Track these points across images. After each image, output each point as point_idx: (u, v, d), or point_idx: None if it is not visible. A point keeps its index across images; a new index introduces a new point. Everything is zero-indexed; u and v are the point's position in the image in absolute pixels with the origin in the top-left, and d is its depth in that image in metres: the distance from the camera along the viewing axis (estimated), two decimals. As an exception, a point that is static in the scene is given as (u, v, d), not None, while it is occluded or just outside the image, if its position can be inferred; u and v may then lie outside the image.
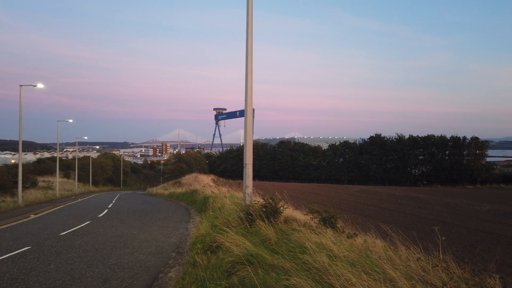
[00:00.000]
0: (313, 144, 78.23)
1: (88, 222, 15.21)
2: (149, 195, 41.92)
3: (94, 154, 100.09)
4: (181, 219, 16.11)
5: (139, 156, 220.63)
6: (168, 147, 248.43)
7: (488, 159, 70.01)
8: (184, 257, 8.50)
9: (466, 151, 64.40)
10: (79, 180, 58.44)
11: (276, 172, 74.11)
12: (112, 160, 78.74)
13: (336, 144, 73.45)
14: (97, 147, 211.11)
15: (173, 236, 11.56)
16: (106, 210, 20.60)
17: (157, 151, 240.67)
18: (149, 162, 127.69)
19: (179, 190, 33.00)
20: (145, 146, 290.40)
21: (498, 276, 4.89)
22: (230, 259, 5.68)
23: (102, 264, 8.06)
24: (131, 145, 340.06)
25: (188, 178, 38.93)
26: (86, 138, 71.12)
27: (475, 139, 64.53)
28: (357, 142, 74.36)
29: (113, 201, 28.66)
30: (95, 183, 66.38)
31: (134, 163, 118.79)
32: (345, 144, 72.42)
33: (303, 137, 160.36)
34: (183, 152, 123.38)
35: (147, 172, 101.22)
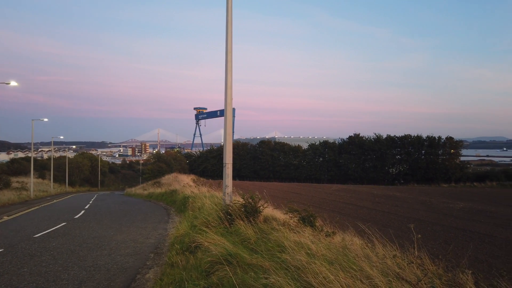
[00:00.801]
0: (293, 143, 78.72)
1: (63, 224, 14.84)
2: (128, 195, 41.26)
3: (70, 154, 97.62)
4: (160, 219, 15.92)
5: (117, 156, 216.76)
6: (147, 147, 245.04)
7: (462, 159, 72.15)
8: (163, 257, 8.41)
9: (441, 151, 66.17)
10: (55, 181, 56.94)
11: (257, 171, 74.22)
12: (89, 160, 77.06)
13: (316, 143, 74.16)
14: (74, 146, 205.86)
15: (152, 237, 11.42)
16: (82, 211, 20.15)
17: (136, 151, 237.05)
18: (127, 162, 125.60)
19: (158, 190, 32.60)
20: (123, 146, 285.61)
21: (470, 271, 5.05)
22: (209, 259, 5.65)
23: (77, 266, 7.88)
24: (109, 145, 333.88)
25: (167, 178, 38.49)
26: (62, 137, 69.23)
27: (449, 139, 66.38)
28: (337, 142, 75.30)
29: (90, 202, 28.06)
30: (71, 184, 64.85)
31: (112, 163, 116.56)
32: (325, 144, 73.20)
33: (284, 137, 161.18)
34: (163, 152, 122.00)
35: (126, 172, 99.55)
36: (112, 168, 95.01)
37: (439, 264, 5.43)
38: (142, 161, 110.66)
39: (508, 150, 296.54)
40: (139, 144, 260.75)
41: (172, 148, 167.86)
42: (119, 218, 16.40)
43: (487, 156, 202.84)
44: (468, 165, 71.61)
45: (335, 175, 68.69)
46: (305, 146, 76.10)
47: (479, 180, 57.47)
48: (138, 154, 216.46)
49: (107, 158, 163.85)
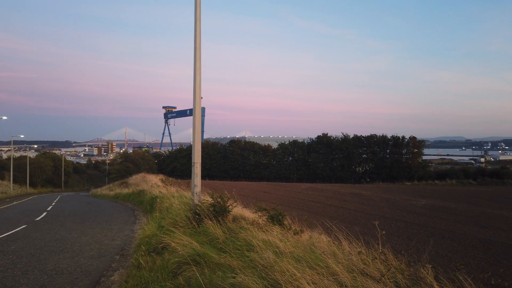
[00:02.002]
0: (263, 143, 79.12)
1: (24, 226, 14.18)
2: (93, 196, 40.01)
3: (32, 154, 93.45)
4: (126, 220, 15.56)
5: (82, 155, 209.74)
6: (114, 146, 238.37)
7: (424, 158, 75.17)
8: (129, 259, 8.22)
9: (405, 150, 68.59)
10: (14, 182, 54.32)
11: (227, 171, 74.03)
12: (52, 160, 74.03)
13: (286, 143, 74.90)
14: (36, 146, 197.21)
15: (118, 238, 11.13)
16: (44, 213, 19.34)
17: (102, 151, 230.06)
18: (93, 161, 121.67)
19: (125, 190, 31.83)
20: (89, 145, 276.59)
21: (430, 266, 5.26)
22: (176, 259, 5.58)
23: (38, 270, 7.56)
24: (74, 144, 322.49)
25: (135, 178, 37.63)
26: (22, 136, 66.25)
27: (412, 139, 68.92)
28: (306, 142, 76.36)
29: (53, 203, 26.98)
30: (33, 185, 62.09)
31: (77, 163, 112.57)
32: (294, 143, 74.07)
33: (254, 136, 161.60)
34: (131, 151, 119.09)
35: (91, 173, 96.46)
36: (76, 168, 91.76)
37: (402, 259, 5.62)
38: (108, 161, 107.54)
39: (467, 149, 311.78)
40: (105, 143, 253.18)
41: (140, 147, 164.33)
42: (84, 220, 15.88)
43: (448, 155, 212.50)
44: (430, 164, 74.79)
45: (304, 174, 69.65)
46: (275, 145, 76.66)
47: (440, 178, 60.10)
48: (105, 153, 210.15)
49: (72, 158, 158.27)
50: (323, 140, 71.01)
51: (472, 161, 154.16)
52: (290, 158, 72.82)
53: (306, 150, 71.91)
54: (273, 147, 75.93)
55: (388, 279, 4.71)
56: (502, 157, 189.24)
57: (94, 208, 22.21)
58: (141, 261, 6.46)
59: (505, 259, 10.80)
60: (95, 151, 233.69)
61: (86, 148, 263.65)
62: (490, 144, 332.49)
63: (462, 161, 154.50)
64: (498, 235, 14.26)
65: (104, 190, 41.82)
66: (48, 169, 69.65)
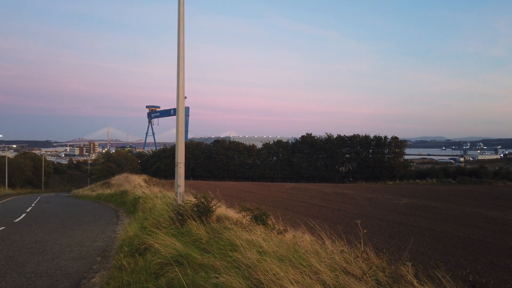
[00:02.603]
0: (248, 143, 79.08)
1: (2, 228, 13.81)
2: (74, 197, 39.27)
3: (10, 154, 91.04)
4: (108, 221, 15.33)
5: (63, 155, 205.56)
6: (96, 146, 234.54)
7: (405, 157, 76.55)
8: (110, 261, 8.10)
9: (387, 150, 69.67)
10: (-8, 182, 52.86)
11: (211, 171, 73.74)
12: (32, 160, 72.27)
13: (270, 143, 75.08)
14: (14, 146, 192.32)
15: (99, 240, 10.96)
16: (23, 214, 18.87)
17: (84, 150, 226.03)
18: (74, 162, 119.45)
19: (107, 191, 31.35)
20: (70, 145, 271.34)
21: (410, 264, 5.36)
22: (158, 260, 5.53)
23: (16, 273, 7.38)
24: (55, 144, 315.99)
25: (118, 179, 37.10)
26: (0, 136, 64.40)
27: (394, 139, 70.06)
28: (290, 141, 76.74)
29: (33, 205, 26.35)
30: (11, 185, 60.48)
31: (58, 163, 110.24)
32: (279, 143, 74.31)
33: (239, 136, 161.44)
34: (113, 151, 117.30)
35: (73, 173, 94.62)
36: (57, 169, 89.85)
37: (383, 258, 5.71)
38: (90, 161, 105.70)
39: (447, 149, 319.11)
40: (87, 143, 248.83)
41: (123, 147, 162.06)
42: (64, 221, 15.57)
43: (428, 155, 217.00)
44: (411, 164, 76.21)
45: (288, 173, 69.96)
46: (259, 145, 76.75)
47: (421, 178, 61.30)
48: (86, 153, 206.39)
49: (52, 158, 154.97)
50: (307, 140, 71.49)
51: (452, 160, 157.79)
52: (275, 158, 73.05)
53: (291, 150, 72.26)
54: (257, 147, 76.02)
55: (370, 277, 4.78)
56: (480, 157, 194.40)
57: (75, 209, 21.80)
58: (123, 263, 6.38)
59: (483, 256, 11.09)
60: (77, 151, 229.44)
61: (67, 148, 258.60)
62: (469, 144, 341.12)
63: (442, 160, 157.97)
64: (476, 233, 14.62)
65: (85, 191, 41.11)
66: (28, 170, 68.00)
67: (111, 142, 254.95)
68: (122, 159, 71.48)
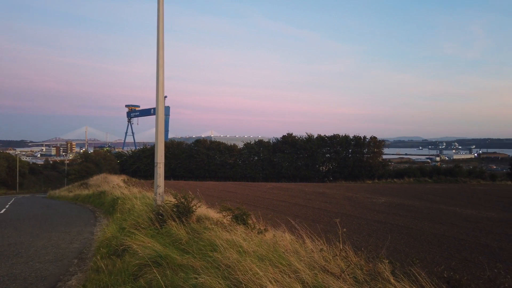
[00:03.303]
0: (229, 143, 78.92)
1: (-28, 231, 13.33)
2: (51, 198, 38.28)
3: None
4: (86, 222, 15.01)
5: (39, 155, 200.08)
6: (73, 146, 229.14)
7: (384, 157, 78.07)
8: (88, 263, 7.94)
9: (366, 150, 70.85)
10: (-37, 184, 50.95)
11: (192, 171, 73.24)
12: (5, 160, 70.09)
13: (251, 143, 75.17)
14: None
15: (76, 242, 10.72)
16: (-4, 217, 18.27)
17: (61, 150, 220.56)
18: (51, 162, 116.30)
19: (85, 192, 30.71)
20: (46, 145, 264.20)
21: (387, 261, 5.48)
22: (137, 261, 5.46)
23: (-12, 277, 7.13)
24: (30, 144, 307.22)
25: (96, 179, 36.44)
26: (-28, 135, 62.26)
27: (373, 139, 71.31)
28: (271, 141, 77.02)
29: (7, 206, 25.53)
30: (-17, 187, 58.51)
31: (33, 163, 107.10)
32: (260, 143, 74.47)
33: (220, 136, 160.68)
34: (91, 151, 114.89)
35: (49, 173, 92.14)
36: (33, 169, 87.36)
37: (361, 256, 5.81)
38: (67, 161, 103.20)
39: (424, 149, 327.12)
40: (64, 143, 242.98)
41: (102, 147, 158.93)
42: (40, 223, 15.16)
43: (406, 154, 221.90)
44: (390, 163, 77.83)
45: (269, 173, 70.20)
46: (240, 145, 76.71)
47: (398, 177, 62.60)
48: (63, 153, 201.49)
49: (28, 158, 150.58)
50: (288, 140, 71.93)
51: (428, 160, 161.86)
52: (256, 158, 73.18)
53: (272, 149, 72.52)
54: (239, 147, 75.96)
55: (348, 275, 4.85)
56: (455, 156, 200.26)
57: (51, 210, 21.26)
58: (100, 264, 6.27)
59: (457, 253, 11.42)
60: (53, 151, 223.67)
61: (44, 148, 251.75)
62: (444, 144, 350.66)
63: (419, 160, 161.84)
64: (451, 230, 15.04)
65: (62, 192, 40.17)
66: (1, 170, 65.89)
67: (89, 142, 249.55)
68: (100, 159, 70.13)
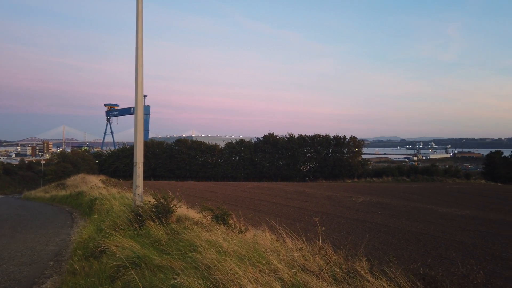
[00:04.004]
0: (210, 142, 78.48)
1: None
2: (26, 199, 37.18)
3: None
4: (62, 224, 14.67)
5: (14, 155, 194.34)
6: (50, 146, 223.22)
7: (363, 156, 79.24)
8: (64, 265, 7.77)
9: (346, 149, 71.71)
10: None
11: (173, 171, 72.52)
12: (-22, 161, 67.71)
13: (233, 142, 74.95)
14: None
15: (52, 244, 10.47)
16: (-33, 219, 17.62)
17: (37, 150, 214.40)
18: (26, 162, 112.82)
19: (62, 192, 30.00)
20: (22, 145, 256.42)
21: (365, 259, 5.57)
22: (115, 263, 5.37)
23: (-41, 281, 6.88)
24: (4, 143, 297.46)
25: (74, 180, 35.62)
26: None
27: (353, 139, 72.27)
28: (252, 141, 77.01)
29: (-22, 208, 24.66)
30: (-46, 188, 56.33)
31: (8, 163, 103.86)
32: (241, 143, 74.37)
33: (201, 136, 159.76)
34: (69, 151, 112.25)
35: (25, 174, 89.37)
36: (7, 169, 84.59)
37: (340, 254, 5.89)
38: (44, 161, 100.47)
39: (402, 148, 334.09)
40: (40, 142, 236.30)
41: (80, 146, 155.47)
42: (15, 225, 14.71)
43: (384, 154, 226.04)
44: (369, 162, 79.07)
45: (250, 173, 70.22)
46: (222, 145, 76.40)
47: (377, 176, 63.72)
48: (40, 153, 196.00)
49: (2, 158, 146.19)
50: (270, 140, 72.09)
51: (406, 159, 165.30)
52: (237, 158, 73.04)
53: (253, 149, 72.54)
54: (220, 147, 75.65)
55: (327, 273, 4.91)
56: (432, 156, 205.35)
57: (26, 212, 20.65)
58: (77, 267, 6.14)
59: (433, 250, 11.71)
60: (29, 151, 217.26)
61: (19, 148, 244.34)
62: (422, 144, 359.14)
63: (397, 159, 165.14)
64: (428, 228, 15.41)
65: (38, 193, 39.08)
66: (-27, 171, 63.62)
67: (66, 141, 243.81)
68: (78, 159, 68.50)
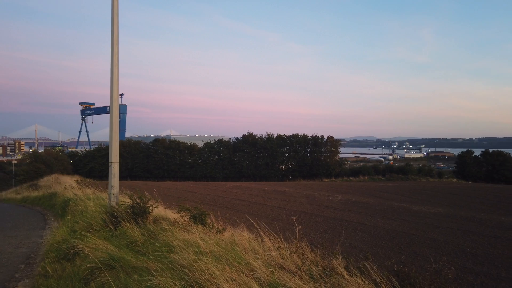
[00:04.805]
0: (189, 142, 77.80)
1: None
2: (-4, 200, 35.86)
3: None
4: (35, 226, 14.21)
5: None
6: (22, 145, 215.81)
7: (341, 156, 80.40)
8: (35, 268, 7.53)
9: (324, 149, 72.57)
10: None
11: (151, 171, 71.50)
12: None
13: (212, 142, 74.57)
14: None
15: (23, 246, 10.12)
16: None
17: (8, 150, 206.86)
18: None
19: (35, 193, 29.09)
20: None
21: (341, 256, 5.65)
22: (88, 265, 5.25)
23: None
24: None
25: (47, 180, 34.63)
26: None
27: (330, 138, 73.22)
28: (231, 141, 76.86)
29: None
30: None
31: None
32: (220, 142, 74.09)
33: (179, 135, 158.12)
34: (42, 150, 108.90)
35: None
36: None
37: (317, 252, 5.95)
38: (15, 161, 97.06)
39: (378, 148, 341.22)
40: (11, 142, 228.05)
41: (54, 146, 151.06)
42: (-17, 228, 14.15)
43: (361, 153, 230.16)
44: (346, 162, 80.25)
45: (229, 172, 70.06)
46: (200, 144, 75.88)
47: (354, 175, 64.87)
48: (11, 153, 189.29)
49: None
50: (248, 139, 72.13)
51: (382, 159, 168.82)
52: (216, 157, 72.72)
53: (232, 149, 72.40)
54: (199, 146, 75.12)
55: (304, 271, 4.95)
56: (406, 155, 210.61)
57: (-5, 213, 19.91)
58: (49, 269, 5.96)
59: (407, 247, 12.00)
60: (0, 151, 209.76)
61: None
62: (397, 143, 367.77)
63: (373, 159, 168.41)
64: (402, 226, 15.79)
65: (9, 194, 37.76)
66: None
67: (39, 141, 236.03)
68: (52, 159, 66.47)
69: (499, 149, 69.53)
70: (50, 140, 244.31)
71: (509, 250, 11.78)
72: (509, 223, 17.04)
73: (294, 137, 72.60)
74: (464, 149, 73.18)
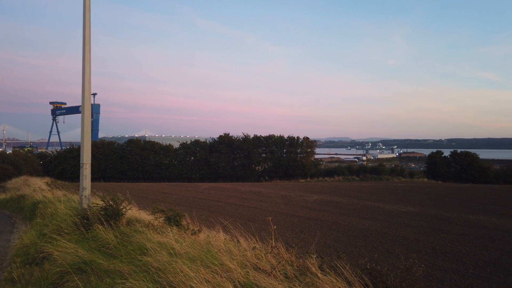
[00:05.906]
0: (164, 142, 76.70)
1: None
2: (-41, 204, 34.22)
3: None
4: (1, 229, 13.66)
5: None
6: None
7: (316, 156, 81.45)
8: (1, 273, 7.23)
9: (300, 149, 73.21)
10: None
11: (125, 172, 70.03)
12: None
13: (188, 143, 73.85)
14: None
15: (-11, 251, 9.70)
16: None
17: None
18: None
19: (2, 196, 27.97)
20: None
21: (315, 256, 5.72)
22: (58, 269, 5.10)
23: None
24: None
25: (15, 182, 33.37)
26: None
27: (306, 139, 73.97)
28: (208, 141, 76.37)
29: None
30: None
31: None
32: (196, 143, 73.48)
33: (155, 136, 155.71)
34: (9, 151, 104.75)
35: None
36: None
37: (292, 252, 5.99)
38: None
39: (352, 149, 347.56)
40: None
41: (23, 147, 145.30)
42: None
43: (336, 154, 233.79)
44: (321, 162, 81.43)
45: (206, 173, 69.59)
46: (176, 145, 74.96)
47: (329, 175, 65.83)
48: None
49: None
50: (225, 140, 71.89)
51: (356, 159, 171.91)
52: (192, 158, 72.04)
53: (208, 149, 71.94)
54: (174, 147, 74.19)
55: (279, 271, 4.98)
56: (379, 156, 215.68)
57: (-41, 217, 19.00)
58: (15, 274, 5.74)
59: (380, 246, 12.28)
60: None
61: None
62: (370, 144, 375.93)
63: (348, 159, 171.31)
64: (375, 225, 16.14)
65: (-27, 197, 36.12)
66: None
67: (7, 141, 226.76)
68: (20, 160, 63.95)
69: (467, 150, 72.08)
70: (19, 140, 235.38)
71: (476, 248, 12.25)
72: (475, 221, 17.73)
73: (270, 137, 72.91)
74: (434, 150, 75.55)
